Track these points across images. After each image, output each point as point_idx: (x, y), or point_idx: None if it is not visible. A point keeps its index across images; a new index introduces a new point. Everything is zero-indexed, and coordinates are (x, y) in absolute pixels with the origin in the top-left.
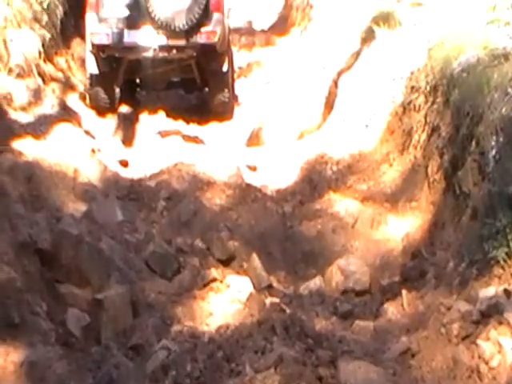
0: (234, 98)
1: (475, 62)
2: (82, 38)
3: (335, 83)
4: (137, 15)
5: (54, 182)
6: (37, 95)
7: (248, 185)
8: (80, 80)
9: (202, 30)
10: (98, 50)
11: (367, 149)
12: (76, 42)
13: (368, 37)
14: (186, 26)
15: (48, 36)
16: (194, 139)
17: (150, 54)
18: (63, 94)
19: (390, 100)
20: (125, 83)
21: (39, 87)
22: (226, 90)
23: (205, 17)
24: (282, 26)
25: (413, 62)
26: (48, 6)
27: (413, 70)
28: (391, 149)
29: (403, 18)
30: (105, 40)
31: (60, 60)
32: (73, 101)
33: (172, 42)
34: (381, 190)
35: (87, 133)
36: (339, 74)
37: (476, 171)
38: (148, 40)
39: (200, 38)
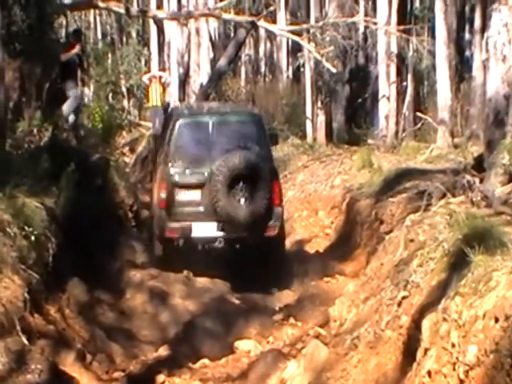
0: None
1: None
2: (80, 275)
3: (415, 324)
4: (203, 211)
5: None
6: (20, 359)
7: None
8: (78, 332)
9: (265, 224)
10: (168, 241)
11: None
12: (73, 282)
13: (458, 262)
14: (250, 222)
15: (35, 278)
16: None
17: (213, 244)
18: (55, 353)
19: (491, 348)
20: None
21: (23, 348)
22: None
23: (267, 212)
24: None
25: None
26: (36, 239)
27: None
28: None
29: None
30: (175, 234)
31: (51, 308)
32: (68, 362)
33: (235, 235)
34: None
35: None
36: (421, 312)
37: None
38: (213, 233)
39: (262, 232)
